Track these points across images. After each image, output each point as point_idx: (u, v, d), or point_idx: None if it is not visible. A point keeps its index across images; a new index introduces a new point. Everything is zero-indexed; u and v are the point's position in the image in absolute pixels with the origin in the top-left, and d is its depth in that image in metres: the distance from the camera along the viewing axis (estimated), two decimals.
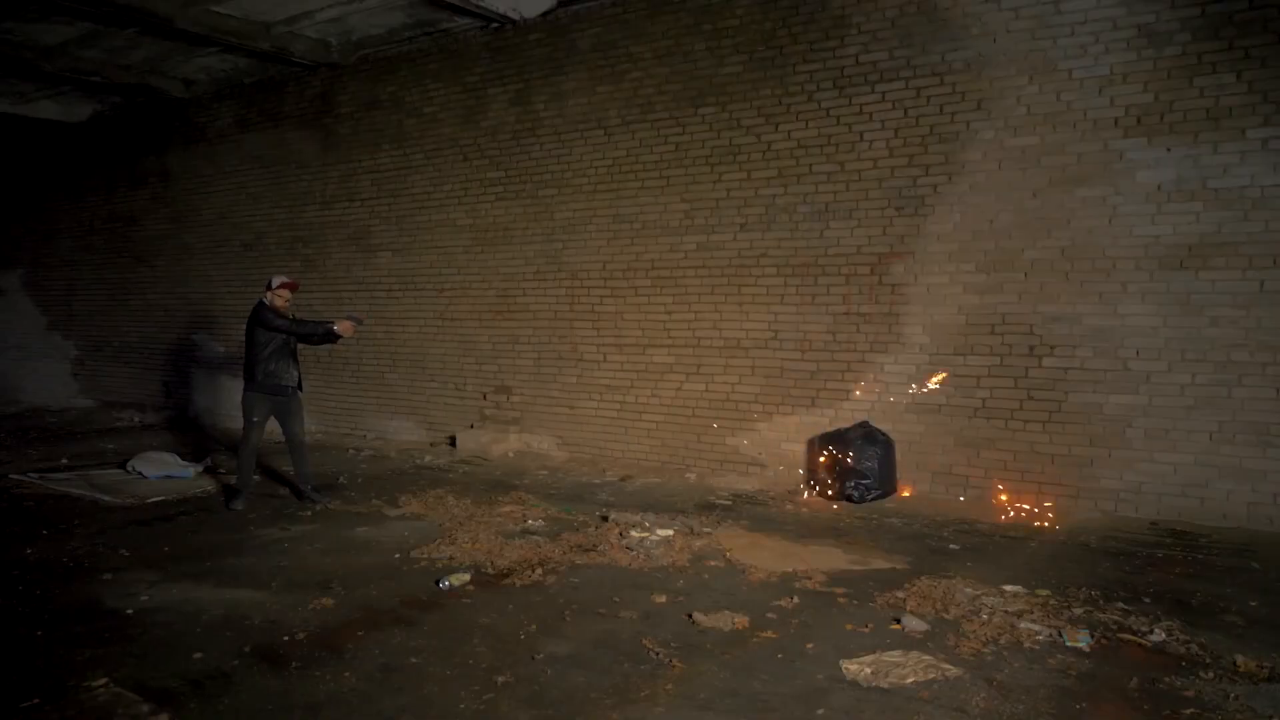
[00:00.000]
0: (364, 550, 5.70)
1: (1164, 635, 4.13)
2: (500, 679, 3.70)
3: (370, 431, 10.70)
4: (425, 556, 5.47)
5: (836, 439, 7.23)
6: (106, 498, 7.18)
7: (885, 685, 3.62)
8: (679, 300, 8.34)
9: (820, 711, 3.42)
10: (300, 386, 7.09)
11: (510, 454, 9.24)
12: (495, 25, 9.36)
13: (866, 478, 6.97)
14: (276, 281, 6.97)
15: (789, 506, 6.95)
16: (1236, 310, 6.03)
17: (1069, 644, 4.03)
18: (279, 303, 6.93)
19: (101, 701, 3.50)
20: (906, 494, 7.12)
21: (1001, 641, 4.07)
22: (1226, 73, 6.01)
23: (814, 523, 6.43)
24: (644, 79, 8.45)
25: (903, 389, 7.23)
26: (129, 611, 4.54)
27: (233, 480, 7.09)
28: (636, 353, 8.63)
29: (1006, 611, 4.42)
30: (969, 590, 4.73)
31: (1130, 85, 6.31)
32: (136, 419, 12.37)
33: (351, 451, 9.65)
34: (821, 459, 7.35)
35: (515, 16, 9.11)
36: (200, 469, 8.26)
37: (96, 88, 12.34)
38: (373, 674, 3.77)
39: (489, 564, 5.29)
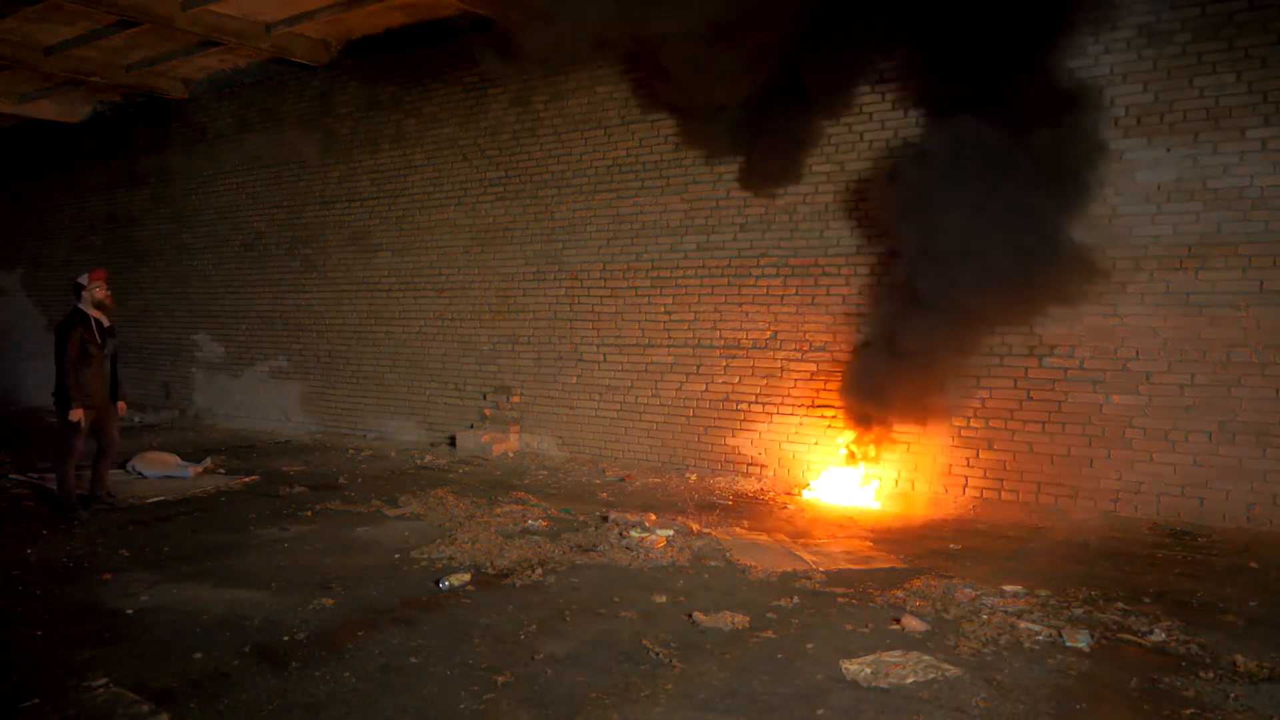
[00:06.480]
0: (364, 550, 5.69)
1: (1164, 635, 4.13)
2: (500, 679, 3.70)
3: (370, 431, 10.70)
4: (425, 556, 5.47)
5: (835, 439, 7.24)
6: None
7: (885, 685, 3.62)
8: (679, 300, 8.34)
9: (820, 711, 3.42)
10: (114, 397, 6.71)
11: (510, 454, 9.24)
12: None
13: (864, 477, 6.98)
14: (86, 278, 6.61)
15: (789, 507, 6.95)
16: (1236, 310, 6.03)
17: (1069, 644, 4.03)
18: (99, 293, 6.62)
19: (101, 701, 3.50)
20: (906, 494, 7.11)
21: (1001, 641, 4.07)
22: (1226, 73, 6.01)
23: (814, 523, 6.43)
24: (644, 78, 8.44)
25: None
26: (129, 611, 4.54)
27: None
28: (636, 353, 8.63)
29: (1006, 611, 4.42)
30: (969, 590, 4.73)
31: (1130, 85, 6.31)
32: (136, 419, 12.36)
33: (351, 451, 9.65)
34: (821, 458, 7.35)
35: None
36: (200, 469, 8.26)
37: (96, 87, 12.33)
38: (373, 674, 3.77)
39: (489, 564, 5.29)
